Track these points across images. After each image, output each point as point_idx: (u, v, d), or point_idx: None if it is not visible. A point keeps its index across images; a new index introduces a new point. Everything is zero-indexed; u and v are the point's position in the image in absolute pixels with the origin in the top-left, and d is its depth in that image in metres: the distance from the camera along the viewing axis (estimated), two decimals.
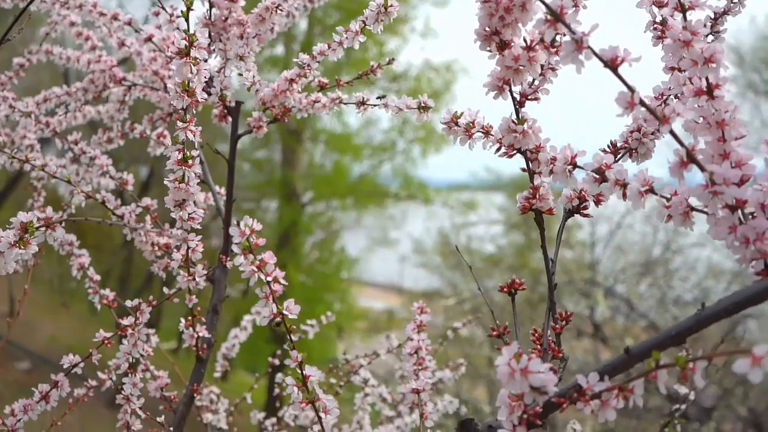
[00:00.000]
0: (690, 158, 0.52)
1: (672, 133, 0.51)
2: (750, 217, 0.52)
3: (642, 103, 0.51)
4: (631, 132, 0.70)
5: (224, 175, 1.09)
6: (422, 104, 0.87)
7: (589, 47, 0.51)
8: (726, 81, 0.55)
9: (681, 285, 6.66)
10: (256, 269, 0.63)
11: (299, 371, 0.66)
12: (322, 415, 0.65)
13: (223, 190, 1.15)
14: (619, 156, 0.70)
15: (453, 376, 1.39)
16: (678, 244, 7.01)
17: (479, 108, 0.67)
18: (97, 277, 1.12)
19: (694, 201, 0.56)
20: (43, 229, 0.68)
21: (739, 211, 0.54)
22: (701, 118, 0.55)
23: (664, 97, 0.70)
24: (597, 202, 0.68)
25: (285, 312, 0.64)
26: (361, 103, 0.96)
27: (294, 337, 0.66)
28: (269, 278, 0.63)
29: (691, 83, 0.57)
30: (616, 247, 7.26)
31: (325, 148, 11.84)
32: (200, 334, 0.99)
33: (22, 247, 0.69)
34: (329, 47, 0.92)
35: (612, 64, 0.51)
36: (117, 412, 0.98)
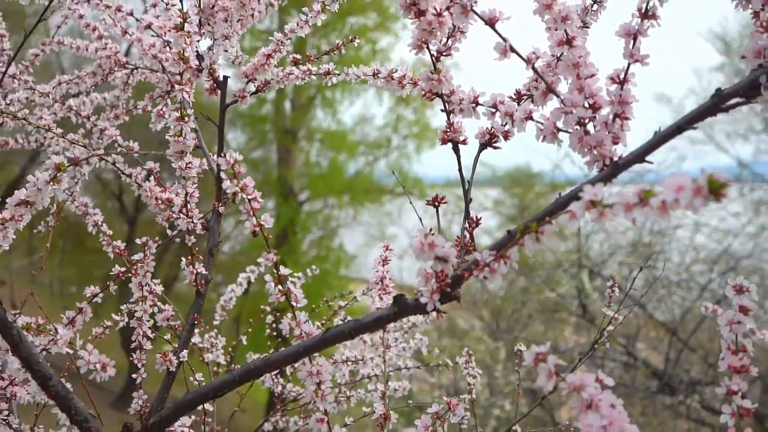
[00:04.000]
0: (549, 90, 0.72)
1: (534, 70, 0.71)
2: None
3: (512, 49, 0.70)
4: (531, 81, 0.89)
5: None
6: (375, 71, 1.06)
7: (473, 10, 0.70)
8: (582, 33, 0.74)
9: (666, 267, 6.86)
10: (239, 190, 0.82)
11: (275, 272, 0.85)
12: (293, 303, 0.85)
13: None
14: (522, 101, 0.89)
15: (426, 320, 1.59)
16: (662, 227, 7.21)
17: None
18: (110, 232, 1.31)
19: (560, 124, 0.75)
20: (72, 166, 0.87)
21: (592, 127, 0.73)
22: (564, 62, 0.74)
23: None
24: (505, 138, 0.87)
25: (263, 222, 0.83)
26: (327, 73, 1.16)
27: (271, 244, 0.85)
28: (250, 197, 0.82)
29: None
30: (604, 230, 7.44)
31: (321, 146, 12.02)
32: (199, 272, 1.18)
33: (56, 183, 0.88)
34: (297, 25, 1.11)
35: (491, 22, 0.71)
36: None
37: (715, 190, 0.47)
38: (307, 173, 11.81)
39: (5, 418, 1.11)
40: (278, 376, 1.62)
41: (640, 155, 0.67)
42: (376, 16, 10.86)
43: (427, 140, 11.65)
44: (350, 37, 1.20)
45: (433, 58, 0.81)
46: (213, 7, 1.15)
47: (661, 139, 0.66)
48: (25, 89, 1.43)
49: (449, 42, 0.82)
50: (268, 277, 0.85)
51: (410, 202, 1.20)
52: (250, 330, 1.63)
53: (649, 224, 7.87)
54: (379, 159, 11.97)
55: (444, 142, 0.84)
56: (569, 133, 0.73)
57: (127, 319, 1.30)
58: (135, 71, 1.42)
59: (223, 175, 0.81)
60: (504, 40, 0.70)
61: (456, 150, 0.84)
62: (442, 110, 0.84)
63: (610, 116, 0.72)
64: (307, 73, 1.17)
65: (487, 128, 0.87)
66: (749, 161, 8.70)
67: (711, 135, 8.71)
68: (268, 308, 1.62)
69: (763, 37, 0.64)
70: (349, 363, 1.27)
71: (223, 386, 0.79)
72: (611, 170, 0.68)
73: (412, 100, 11.12)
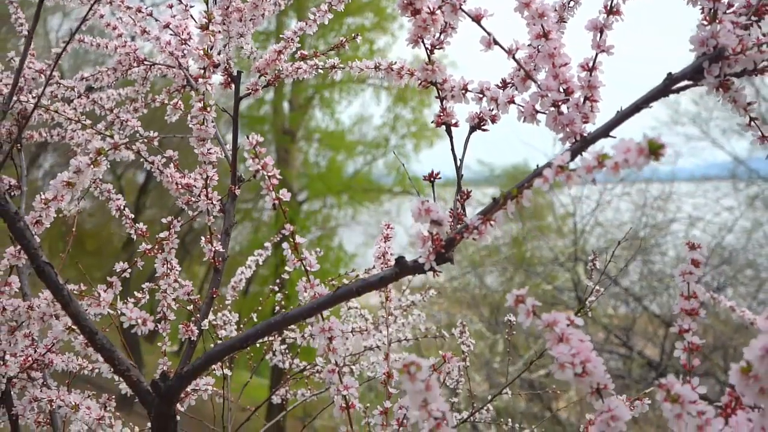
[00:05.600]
0: (528, 76, 0.83)
1: (516, 60, 0.82)
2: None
3: (495, 42, 0.82)
4: (514, 71, 1.00)
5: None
6: (377, 64, 1.17)
7: (461, 8, 0.82)
8: (558, 27, 0.86)
9: (660, 260, 6.99)
10: (260, 168, 0.93)
11: (292, 240, 0.97)
12: (308, 268, 0.96)
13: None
14: (508, 88, 1.00)
15: (424, 298, 1.71)
16: (657, 221, 7.35)
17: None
18: (132, 215, 1.42)
19: (538, 107, 0.87)
20: (112, 150, 0.98)
21: (565, 108, 0.85)
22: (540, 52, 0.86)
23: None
24: (492, 121, 0.99)
25: (281, 196, 0.95)
26: (333, 67, 1.27)
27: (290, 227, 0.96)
28: (269, 174, 0.94)
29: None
30: (599, 225, 7.58)
31: (319, 146, 12.14)
32: (216, 249, 1.29)
33: (96, 167, 0.99)
34: (306, 23, 1.23)
35: (477, 18, 0.82)
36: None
37: (654, 150, 0.58)
38: (306, 173, 11.91)
39: (44, 383, 1.23)
40: (287, 351, 1.73)
41: (604, 131, 0.79)
42: (373, 17, 10.98)
43: (425, 139, 11.77)
44: (353, 35, 1.32)
45: (428, 51, 0.93)
46: (228, 8, 1.27)
47: (622, 117, 0.78)
48: (50, 84, 1.54)
49: (441, 36, 0.93)
50: (285, 245, 0.96)
51: (412, 187, 1.31)
52: (260, 308, 1.75)
53: (645, 218, 8.01)
54: (377, 158, 12.09)
55: (438, 124, 0.95)
56: (546, 113, 0.85)
57: (148, 297, 1.42)
58: (153, 67, 1.53)
59: (245, 154, 0.93)
60: (488, 34, 0.81)
61: (449, 131, 0.96)
62: (436, 97, 0.95)
63: (581, 99, 0.84)
64: (314, 67, 1.29)
65: (476, 112, 0.98)
66: (744, 157, 8.82)
67: (706, 131, 8.84)
68: (276, 288, 1.73)
69: (707, 29, 0.75)
70: (354, 333, 1.38)
71: (248, 338, 0.91)
72: (580, 144, 0.79)
73: (410, 99, 11.24)
